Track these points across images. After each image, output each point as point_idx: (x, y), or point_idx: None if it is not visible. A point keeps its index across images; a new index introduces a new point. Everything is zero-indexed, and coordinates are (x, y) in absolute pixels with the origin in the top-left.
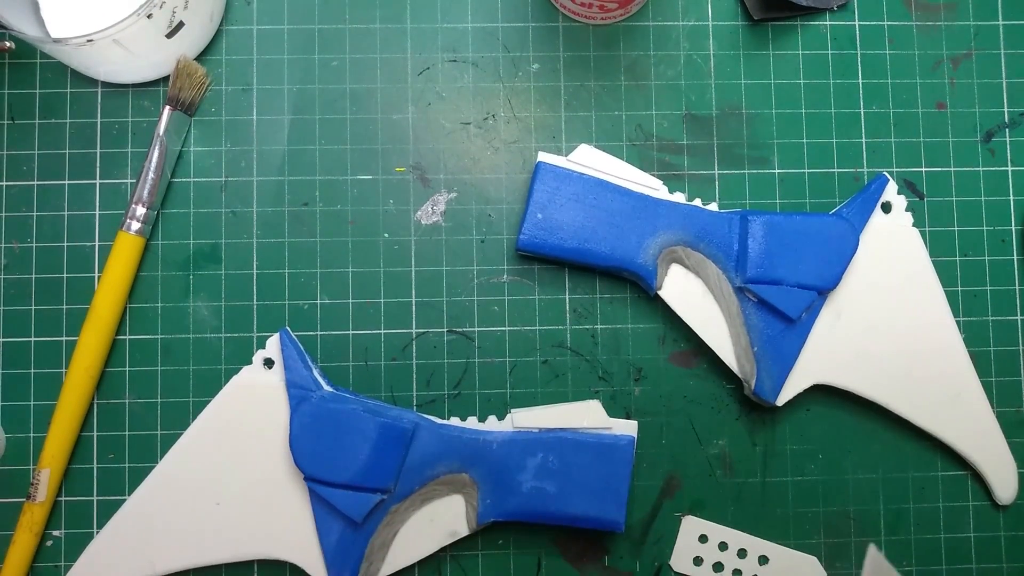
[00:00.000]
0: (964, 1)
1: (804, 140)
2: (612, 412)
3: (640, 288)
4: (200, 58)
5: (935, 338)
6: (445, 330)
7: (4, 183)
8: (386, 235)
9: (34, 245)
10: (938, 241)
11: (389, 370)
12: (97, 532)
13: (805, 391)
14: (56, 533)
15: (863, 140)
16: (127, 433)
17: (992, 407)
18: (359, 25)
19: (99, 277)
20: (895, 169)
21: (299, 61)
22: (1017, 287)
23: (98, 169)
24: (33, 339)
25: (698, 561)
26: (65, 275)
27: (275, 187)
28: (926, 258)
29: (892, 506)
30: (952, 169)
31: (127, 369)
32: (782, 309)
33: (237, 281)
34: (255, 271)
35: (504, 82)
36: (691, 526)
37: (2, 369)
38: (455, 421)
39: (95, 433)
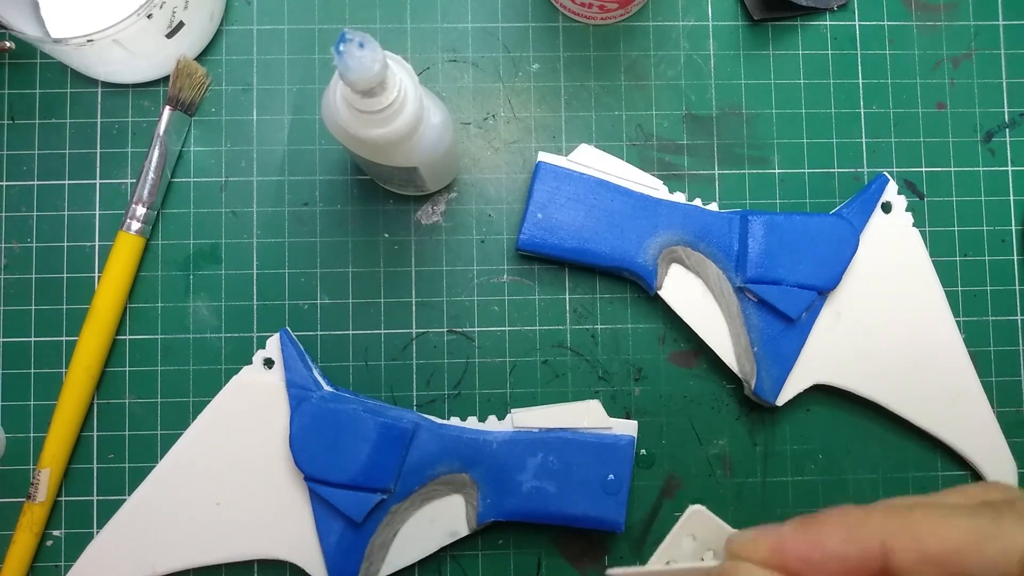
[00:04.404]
0: (964, 1)
1: (804, 140)
2: (612, 412)
3: (640, 288)
4: (200, 58)
5: (935, 338)
6: (445, 330)
7: (4, 183)
8: (386, 235)
9: (34, 245)
10: (938, 241)
11: (389, 370)
12: (97, 532)
13: (805, 391)
14: (56, 533)
15: (863, 140)
16: (127, 433)
17: (992, 407)
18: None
19: (99, 277)
20: (895, 169)
21: (299, 61)
22: (1017, 287)
23: (98, 169)
24: (33, 339)
25: None
26: (65, 275)
27: (275, 187)
28: (926, 258)
29: None
30: (952, 169)
31: (127, 369)
32: (782, 309)
33: (237, 281)
34: (255, 271)
35: (504, 82)
36: None
37: (2, 369)
38: (455, 421)
39: (95, 433)
